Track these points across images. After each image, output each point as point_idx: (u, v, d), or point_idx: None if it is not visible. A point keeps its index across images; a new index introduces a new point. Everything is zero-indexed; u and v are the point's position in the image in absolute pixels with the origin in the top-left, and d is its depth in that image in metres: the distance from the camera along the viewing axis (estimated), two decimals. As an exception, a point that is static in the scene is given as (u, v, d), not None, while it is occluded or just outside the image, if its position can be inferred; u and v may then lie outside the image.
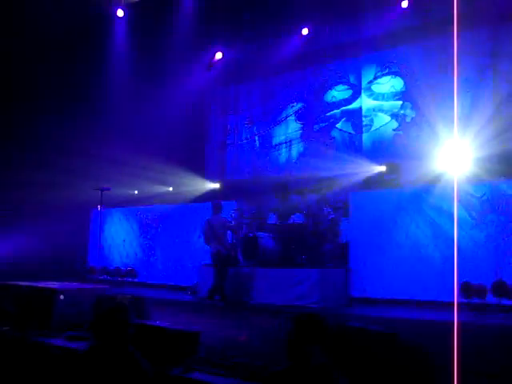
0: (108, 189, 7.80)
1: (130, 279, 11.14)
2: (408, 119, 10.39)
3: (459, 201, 7.55)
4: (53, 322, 5.28)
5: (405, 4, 10.28)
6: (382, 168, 10.04)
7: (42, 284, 5.95)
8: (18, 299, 5.78)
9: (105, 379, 2.83)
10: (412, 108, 10.33)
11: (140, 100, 12.08)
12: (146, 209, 11.57)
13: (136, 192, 11.77)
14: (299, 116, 12.05)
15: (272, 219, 9.23)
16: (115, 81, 11.76)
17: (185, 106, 12.64)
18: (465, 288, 7.17)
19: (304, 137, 11.89)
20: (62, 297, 5.42)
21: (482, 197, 7.56)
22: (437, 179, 8.51)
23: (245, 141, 12.86)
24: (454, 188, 7.20)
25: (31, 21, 10.41)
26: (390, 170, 9.96)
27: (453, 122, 9.80)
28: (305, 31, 11.45)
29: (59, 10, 10.39)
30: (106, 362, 2.86)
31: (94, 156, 11.09)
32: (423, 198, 8.09)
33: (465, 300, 7.16)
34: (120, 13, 12.24)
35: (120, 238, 12.05)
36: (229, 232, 9.03)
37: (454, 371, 3.05)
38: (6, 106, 10.96)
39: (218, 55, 12.82)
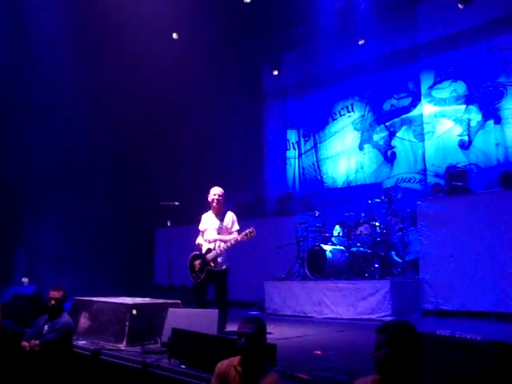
0: (175, 204, 7.86)
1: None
2: (473, 123, 9.97)
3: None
4: (126, 335, 5.33)
5: (462, 5, 9.98)
6: (448, 175, 9.63)
7: (114, 299, 6.04)
8: (94, 314, 5.90)
9: None
10: (477, 111, 9.93)
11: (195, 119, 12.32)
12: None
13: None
14: (357, 126, 11.86)
15: (338, 231, 9.04)
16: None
17: (242, 125, 12.76)
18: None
19: (363, 147, 11.67)
20: (134, 311, 5.47)
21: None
22: (509, 183, 8.08)
23: (304, 154, 12.77)
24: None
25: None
26: (458, 177, 9.52)
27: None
28: (361, 41, 11.30)
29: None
30: None
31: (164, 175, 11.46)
32: (496, 204, 7.65)
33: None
34: (175, 35, 12.46)
35: (186, 256, 12.03)
36: None
37: None
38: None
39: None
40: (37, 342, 5.09)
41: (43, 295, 7.05)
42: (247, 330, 3.24)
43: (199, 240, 6.76)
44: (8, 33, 10.89)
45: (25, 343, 5.14)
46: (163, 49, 11.54)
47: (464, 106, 10.10)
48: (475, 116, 9.92)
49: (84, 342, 5.64)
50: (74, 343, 5.56)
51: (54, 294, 5.28)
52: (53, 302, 5.26)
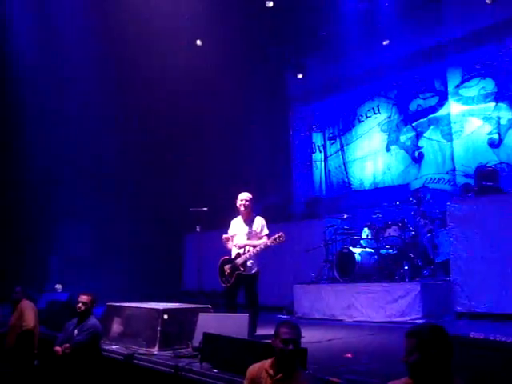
0: (203, 210, 7.96)
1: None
2: (503, 121, 9.78)
3: None
4: (158, 339, 5.41)
5: (489, 0, 9.80)
6: (478, 174, 9.45)
7: (146, 305, 6.14)
8: (126, 319, 6.00)
9: None
10: (508, 109, 9.73)
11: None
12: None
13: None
14: (384, 127, 11.77)
15: (367, 233, 8.99)
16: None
17: (268, 129, 12.81)
18: None
19: (390, 148, 11.57)
20: (166, 316, 5.54)
21: None
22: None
23: (330, 157, 12.75)
24: None
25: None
26: (488, 176, 9.34)
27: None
28: (385, 42, 11.21)
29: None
30: None
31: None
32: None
33: None
34: (198, 42, 12.53)
35: (215, 261, 12.13)
36: None
37: None
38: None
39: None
40: (67, 345, 5.24)
41: (77, 301, 7.22)
42: (294, 336, 3.26)
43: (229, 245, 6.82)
44: (37, 43, 11.18)
45: (57, 348, 5.28)
46: (187, 56, 11.66)
47: (493, 104, 9.92)
48: (505, 113, 9.72)
49: (117, 346, 5.74)
50: (107, 348, 5.68)
51: (83, 297, 5.46)
52: (80, 305, 5.42)
